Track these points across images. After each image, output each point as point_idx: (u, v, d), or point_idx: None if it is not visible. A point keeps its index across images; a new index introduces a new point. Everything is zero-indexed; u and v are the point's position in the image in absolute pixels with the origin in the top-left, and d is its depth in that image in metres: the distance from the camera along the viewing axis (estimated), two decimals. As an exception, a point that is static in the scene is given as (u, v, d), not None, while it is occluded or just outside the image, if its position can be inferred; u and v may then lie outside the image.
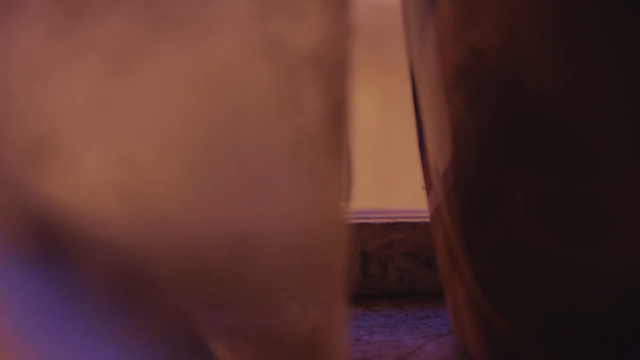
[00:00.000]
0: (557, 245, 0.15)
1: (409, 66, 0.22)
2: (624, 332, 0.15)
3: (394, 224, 0.33)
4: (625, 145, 0.14)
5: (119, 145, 0.15)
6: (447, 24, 0.17)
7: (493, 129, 0.16)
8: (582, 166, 0.14)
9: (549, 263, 0.15)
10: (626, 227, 0.14)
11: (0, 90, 0.15)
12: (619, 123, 0.14)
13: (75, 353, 0.15)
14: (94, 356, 0.15)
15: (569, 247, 0.15)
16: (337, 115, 0.16)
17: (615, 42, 0.13)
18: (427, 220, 0.34)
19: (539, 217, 0.15)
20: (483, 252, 0.18)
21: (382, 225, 0.33)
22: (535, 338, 0.17)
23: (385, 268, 0.34)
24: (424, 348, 0.26)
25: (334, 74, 0.16)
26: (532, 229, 0.15)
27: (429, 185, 0.23)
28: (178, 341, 0.16)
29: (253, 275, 0.16)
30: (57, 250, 0.15)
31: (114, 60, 0.15)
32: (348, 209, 0.17)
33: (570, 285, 0.15)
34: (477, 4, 0.16)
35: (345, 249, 0.17)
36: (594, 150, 0.14)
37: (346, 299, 0.17)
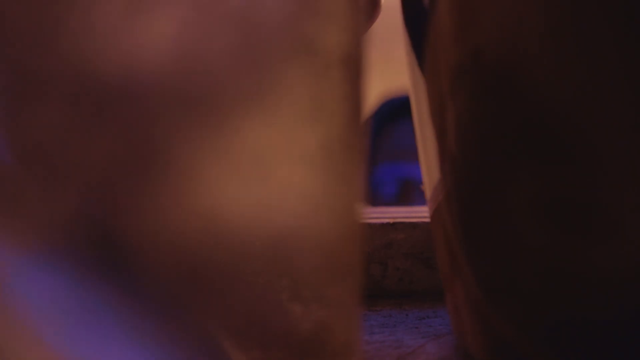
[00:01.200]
0: (558, 246, 0.15)
1: (409, 66, 0.22)
2: (625, 332, 0.15)
3: (394, 224, 0.33)
4: (627, 145, 0.14)
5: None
6: (447, 23, 0.17)
7: (493, 129, 0.16)
8: (583, 167, 0.14)
9: (549, 263, 0.15)
10: (628, 228, 0.14)
11: None
12: (621, 123, 0.14)
13: (99, 351, 0.16)
14: (117, 353, 0.16)
15: (570, 248, 0.15)
16: (358, 116, 0.16)
17: (618, 42, 0.13)
18: (427, 220, 0.34)
19: (539, 218, 0.15)
20: (483, 252, 0.18)
21: (382, 225, 0.33)
22: (535, 338, 0.17)
23: (385, 268, 0.34)
24: (424, 348, 0.26)
25: (357, 75, 0.16)
26: (533, 229, 0.15)
27: (429, 185, 0.23)
28: (194, 340, 0.16)
29: (278, 275, 0.16)
30: (106, 252, 0.15)
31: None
32: (364, 209, 0.17)
33: (571, 285, 0.15)
34: (477, 3, 0.16)
35: (361, 249, 0.17)
36: (596, 150, 0.14)
37: (361, 298, 0.17)
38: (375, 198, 0.70)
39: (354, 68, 0.16)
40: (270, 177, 0.16)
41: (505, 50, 0.15)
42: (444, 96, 0.18)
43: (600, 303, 0.15)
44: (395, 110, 0.76)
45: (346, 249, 0.17)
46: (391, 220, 0.33)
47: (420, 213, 0.35)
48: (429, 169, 0.22)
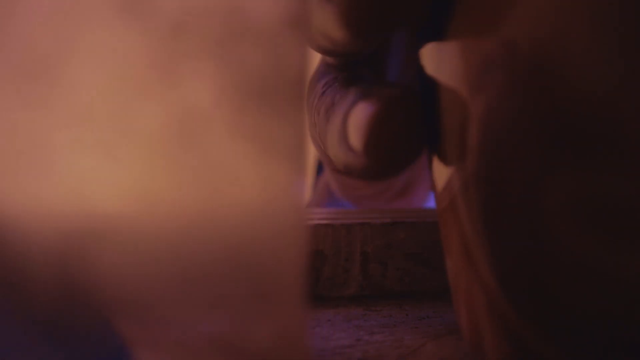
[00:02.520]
0: (592, 249, 0.15)
1: (422, 56, 0.22)
2: None
3: (394, 224, 0.33)
4: None
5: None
6: (474, 12, 0.17)
7: (527, 124, 0.16)
8: (626, 168, 0.14)
9: (582, 265, 0.15)
10: None
11: None
12: None
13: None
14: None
15: (605, 252, 0.14)
16: (297, 119, 0.16)
17: None
18: (427, 220, 0.33)
19: (576, 217, 0.15)
20: (508, 253, 0.17)
21: (382, 225, 0.33)
22: (561, 344, 0.16)
23: (385, 268, 0.33)
24: (424, 348, 0.26)
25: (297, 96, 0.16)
26: (568, 229, 0.15)
27: (437, 183, 0.22)
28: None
29: (207, 277, 0.16)
30: None
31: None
32: (305, 209, 0.17)
33: (604, 291, 0.15)
34: None
35: (303, 250, 0.17)
36: (639, 150, 0.14)
37: (306, 301, 0.17)
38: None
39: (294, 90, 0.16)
40: (184, 173, 0.16)
41: (543, 42, 0.14)
42: (467, 89, 0.18)
43: (633, 311, 0.15)
44: None
45: (279, 249, 0.17)
46: (391, 220, 0.33)
47: (420, 213, 0.35)
48: (438, 165, 0.22)
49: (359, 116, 0.20)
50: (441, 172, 0.21)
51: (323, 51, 0.22)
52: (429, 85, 0.21)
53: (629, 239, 0.14)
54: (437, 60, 0.20)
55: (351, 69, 0.24)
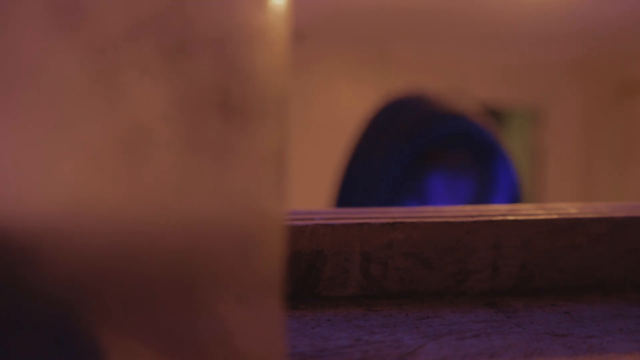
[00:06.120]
0: None
1: None
2: None
3: (394, 224, 0.33)
4: None
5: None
6: None
7: None
8: None
9: None
10: None
11: None
12: None
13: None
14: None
15: None
16: (275, 117, 0.16)
17: None
18: (427, 220, 0.33)
19: None
20: None
21: (382, 225, 0.33)
22: None
23: (385, 268, 0.33)
24: (424, 348, 0.26)
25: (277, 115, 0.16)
26: None
27: None
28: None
29: (186, 277, 0.16)
30: None
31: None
32: (283, 210, 0.17)
33: None
34: None
35: (280, 250, 0.17)
36: None
37: (282, 302, 0.17)
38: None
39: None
40: (160, 175, 0.16)
41: None
42: None
43: None
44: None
45: (267, 251, 0.17)
46: (391, 220, 0.33)
47: (420, 213, 0.35)
48: None
49: None
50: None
51: None
52: None
53: None
54: None
55: None
